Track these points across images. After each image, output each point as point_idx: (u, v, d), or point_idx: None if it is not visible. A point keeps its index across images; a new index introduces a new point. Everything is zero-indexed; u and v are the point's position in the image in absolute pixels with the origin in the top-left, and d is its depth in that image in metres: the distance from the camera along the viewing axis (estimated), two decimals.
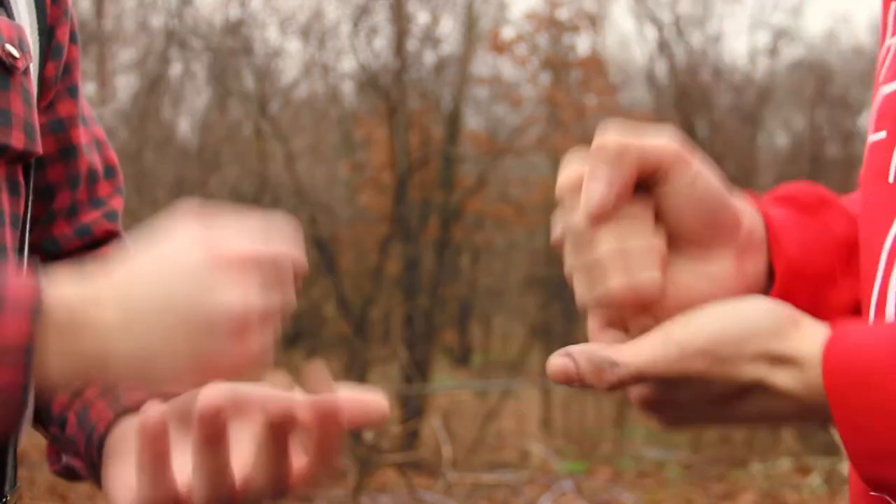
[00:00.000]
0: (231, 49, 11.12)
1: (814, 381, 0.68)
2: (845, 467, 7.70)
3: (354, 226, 12.52)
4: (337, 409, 0.71)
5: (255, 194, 11.48)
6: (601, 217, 0.70)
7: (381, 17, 11.59)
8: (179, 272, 0.68)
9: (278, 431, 0.72)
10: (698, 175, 0.72)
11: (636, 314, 0.74)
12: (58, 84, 0.99)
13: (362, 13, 11.44)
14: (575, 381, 0.69)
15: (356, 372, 10.59)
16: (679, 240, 0.74)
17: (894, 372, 0.64)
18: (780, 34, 12.33)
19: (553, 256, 12.81)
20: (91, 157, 1.05)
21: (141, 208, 9.90)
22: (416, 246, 11.09)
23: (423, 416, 9.70)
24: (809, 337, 0.69)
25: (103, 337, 0.68)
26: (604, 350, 0.69)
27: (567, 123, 12.54)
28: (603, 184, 0.70)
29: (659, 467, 8.96)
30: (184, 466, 0.74)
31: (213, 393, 0.70)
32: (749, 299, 0.71)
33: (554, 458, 9.05)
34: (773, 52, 12.39)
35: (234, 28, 11.33)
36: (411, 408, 9.78)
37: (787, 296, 0.79)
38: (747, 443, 9.78)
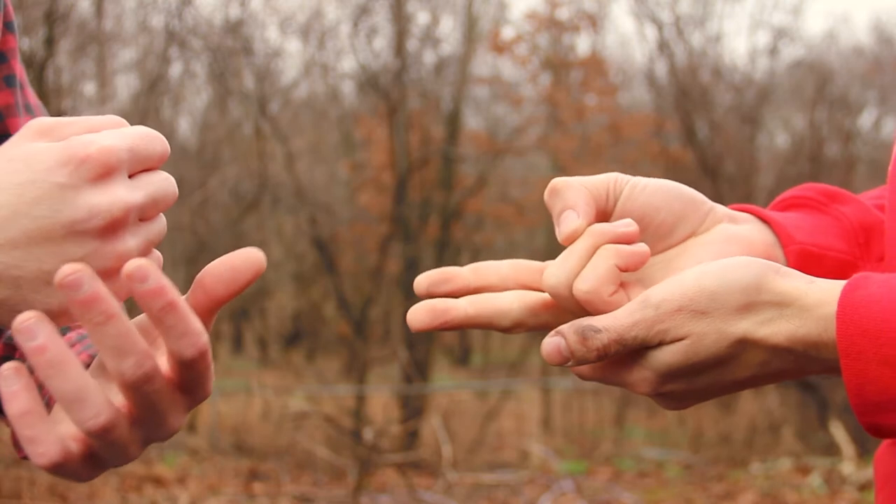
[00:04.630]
0: (231, 49, 11.12)
1: (812, 329, 0.67)
2: (845, 467, 7.70)
3: (354, 226, 12.54)
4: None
5: (255, 194, 11.48)
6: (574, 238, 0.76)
7: (381, 17, 11.60)
8: (33, 177, 0.63)
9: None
10: (639, 180, 0.79)
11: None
12: None
13: (362, 13, 11.45)
14: (568, 358, 0.71)
15: (356, 372, 10.59)
16: (658, 234, 0.78)
17: None
18: (780, 34, 12.35)
19: (553, 256, 12.75)
20: None
21: None
22: (416, 246, 11.08)
23: (423, 416, 9.70)
24: (802, 286, 0.68)
25: None
26: (586, 320, 0.71)
27: (567, 123, 12.54)
28: (574, 213, 0.77)
29: (659, 467, 8.95)
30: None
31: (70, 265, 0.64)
32: (727, 258, 0.71)
33: (554, 458, 9.05)
34: (773, 52, 12.40)
35: (234, 28, 11.33)
36: (411, 408, 9.79)
37: None
38: (747, 443, 9.77)
